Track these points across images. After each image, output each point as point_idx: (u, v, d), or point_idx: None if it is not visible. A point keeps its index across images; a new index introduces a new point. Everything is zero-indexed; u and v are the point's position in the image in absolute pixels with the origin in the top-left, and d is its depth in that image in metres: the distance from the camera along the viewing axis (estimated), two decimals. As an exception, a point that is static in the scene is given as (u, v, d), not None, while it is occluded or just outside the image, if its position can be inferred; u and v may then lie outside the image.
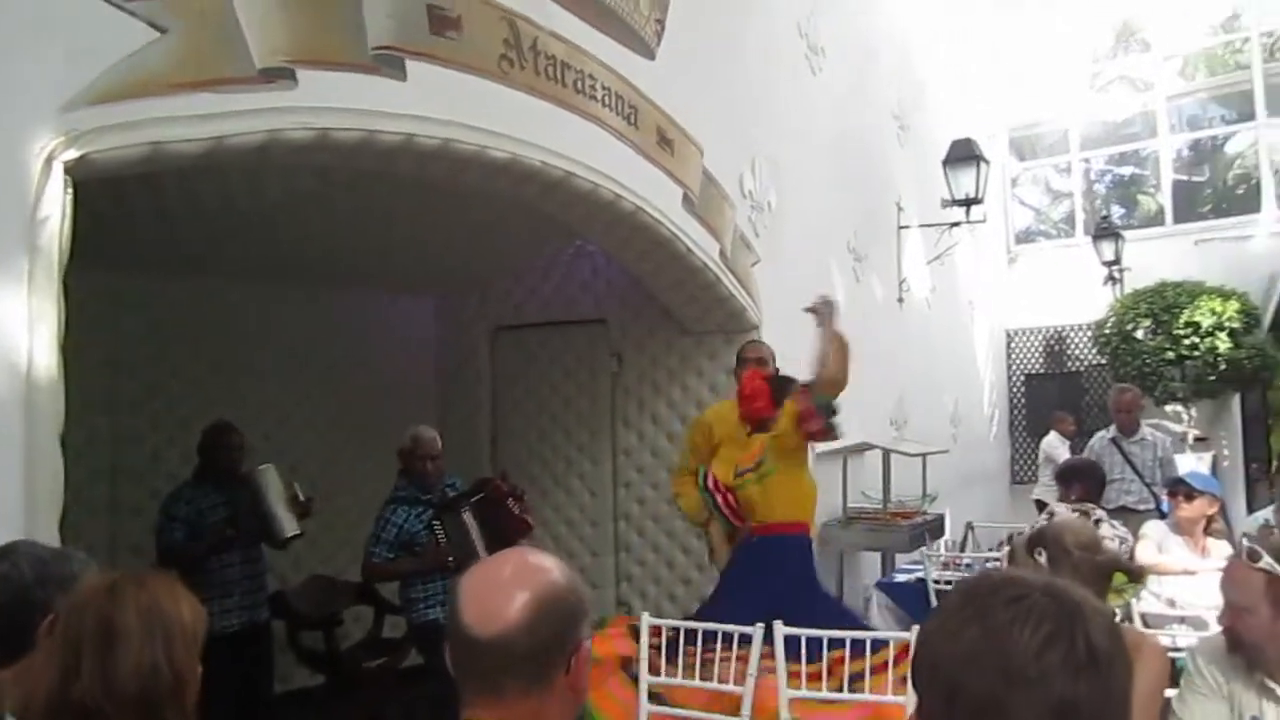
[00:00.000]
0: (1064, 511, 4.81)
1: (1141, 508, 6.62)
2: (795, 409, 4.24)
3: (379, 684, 5.59)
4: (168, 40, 2.71)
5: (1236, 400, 11.69)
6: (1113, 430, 7.01)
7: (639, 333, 6.44)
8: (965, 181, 8.31)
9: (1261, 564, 2.20)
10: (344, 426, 6.59)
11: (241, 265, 5.90)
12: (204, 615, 1.86)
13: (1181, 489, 4.79)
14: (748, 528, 4.41)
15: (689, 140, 5.34)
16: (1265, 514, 5.65)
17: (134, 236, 4.80)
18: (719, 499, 4.54)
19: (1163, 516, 7.26)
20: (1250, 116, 12.89)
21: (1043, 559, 2.37)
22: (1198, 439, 11.21)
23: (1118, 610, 2.49)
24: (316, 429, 6.52)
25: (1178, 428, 11.07)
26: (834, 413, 4.26)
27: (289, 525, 4.74)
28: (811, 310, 4.39)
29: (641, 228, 5.00)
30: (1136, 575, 2.43)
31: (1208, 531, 4.78)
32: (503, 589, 1.41)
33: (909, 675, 1.25)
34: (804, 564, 4.37)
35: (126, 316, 5.68)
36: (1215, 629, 3.72)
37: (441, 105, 3.64)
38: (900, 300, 8.74)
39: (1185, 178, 15.62)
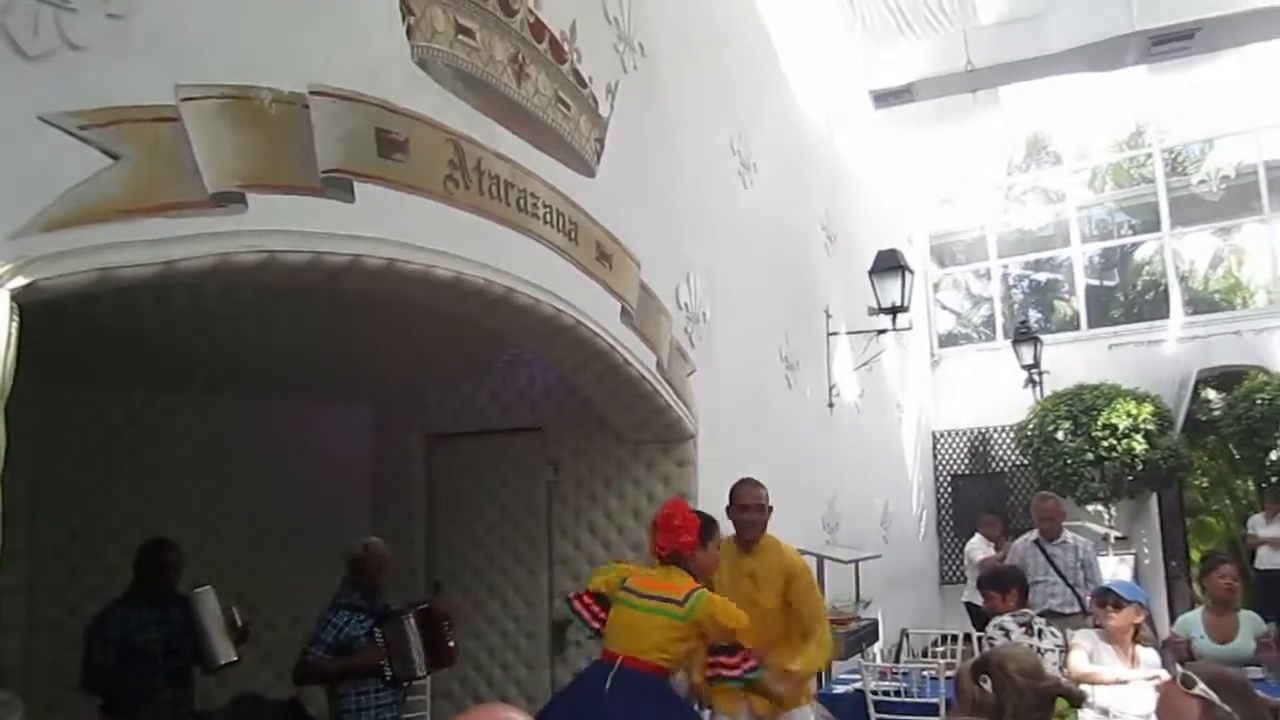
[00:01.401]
0: (1011, 623, 4.92)
1: (1066, 610, 6.76)
2: (722, 630, 4.16)
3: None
4: (120, 167, 2.72)
5: (1154, 500, 12.04)
6: (1035, 533, 7.19)
7: (576, 441, 6.45)
8: (891, 290, 8.57)
9: (1196, 690, 2.28)
10: (274, 537, 6.46)
11: (173, 375, 5.82)
12: None
13: (1110, 598, 4.90)
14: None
15: (627, 254, 5.45)
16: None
17: (62, 344, 4.73)
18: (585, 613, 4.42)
19: (1086, 617, 7.44)
20: (1156, 226, 13.52)
21: (987, 685, 2.41)
22: (1119, 539, 11.48)
23: (1060, 732, 2.54)
24: (246, 540, 6.37)
25: (1099, 528, 11.33)
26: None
27: (225, 651, 4.63)
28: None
29: (580, 341, 5.06)
30: (1078, 700, 2.48)
31: (1135, 639, 4.89)
32: None
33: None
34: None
35: (50, 425, 5.54)
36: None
37: (388, 225, 3.68)
38: (831, 405, 8.90)
39: (1098, 282, 16.27)
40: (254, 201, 3.11)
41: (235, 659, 4.69)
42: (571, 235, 4.91)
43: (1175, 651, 5.93)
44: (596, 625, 4.35)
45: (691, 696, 4.79)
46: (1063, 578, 6.90)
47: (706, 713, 4.88)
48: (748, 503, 4.88)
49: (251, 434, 6.50)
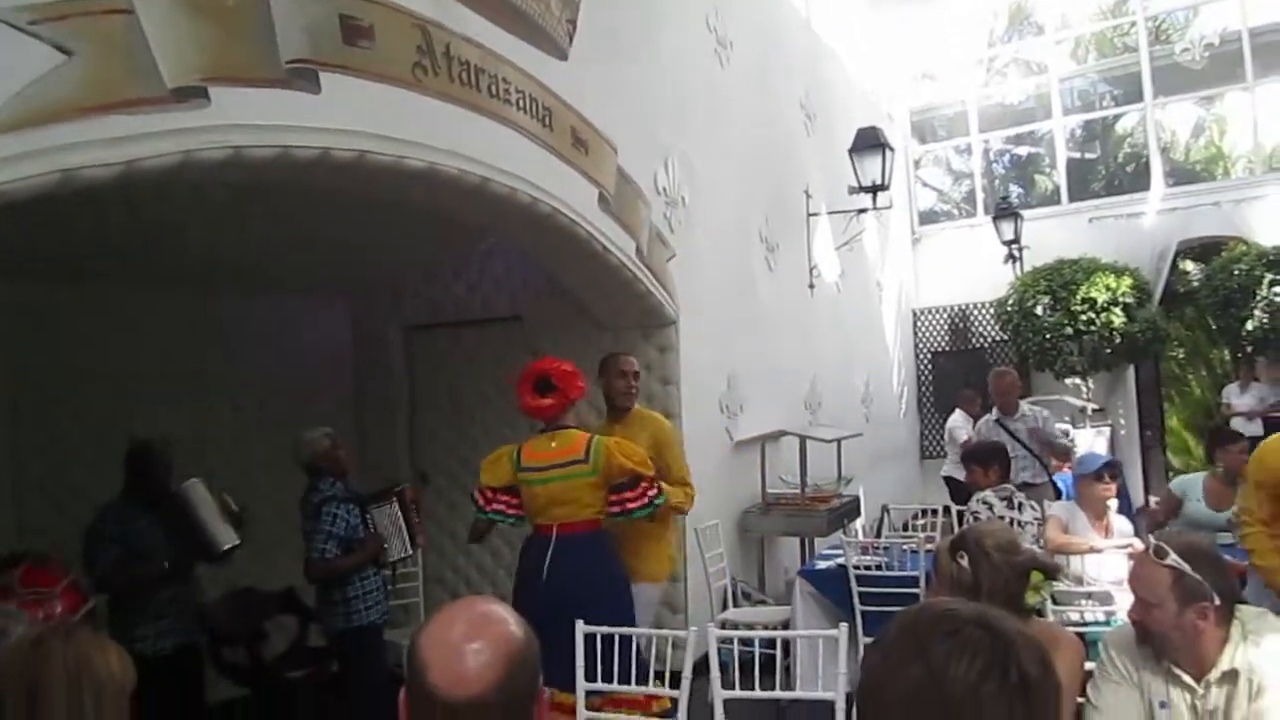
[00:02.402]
0: (992, 497, 5.01)
1: (1038, 481, 6.97)
2: (636, 460, 4.29)
3: (305, 694, 5.53)
4: (74, 63, 2.64)
5: (1131, 372, 12.18)
6: (995, 413, 7.31)
7: (555, 329, 6.44)
8: (871, 169, 8.47)
9: (1168, 561, 2.33)
10: (259, 431, 6.47)
11: (147, 272, 5.75)
12: (132, 664, 1.85)
13: (1107, 470, 5.00)
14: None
15: (603, 140, 5.36)
16: None
17: (35, 245, 4.65)
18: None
19: (1056, 488, 7.61)
20: (1138, 97, 13.35)
21: (965, 562, 2.47)
22: (1096, 411, 11.65)
23: (1036, 605, 2.61)
24: (229, 436, 6.39)
25: (1077, 401, 11.50)
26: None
27: (226, 536, 4.64)
28: None
29: (558, 229, 5.01)
30: (1053, 573, 2.55)
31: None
32: (470, 650, 1.42)
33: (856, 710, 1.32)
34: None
35: (23, 326, 5.49)
36: (1121, 602, 3.92)
37: (356, 116, 3.60)
38: (811, 286, 8.90)
39: (1079, 155, 16.15)
40: (216, 95, 3.03)
41: (238, 542, 4.70)
42: (546, 121, 4.82)
43: (1164, 509, 6.07)
44: (512, 513, 4.42)
45: None
46: (1029, 450, 7.04)
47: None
48: (626, 369, 4.99)
49: (230, 330, 6.46)
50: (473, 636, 1.43)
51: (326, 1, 3.46)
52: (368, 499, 4.95)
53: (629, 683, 3.66)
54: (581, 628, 3.68)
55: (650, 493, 4.28)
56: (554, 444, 4.31)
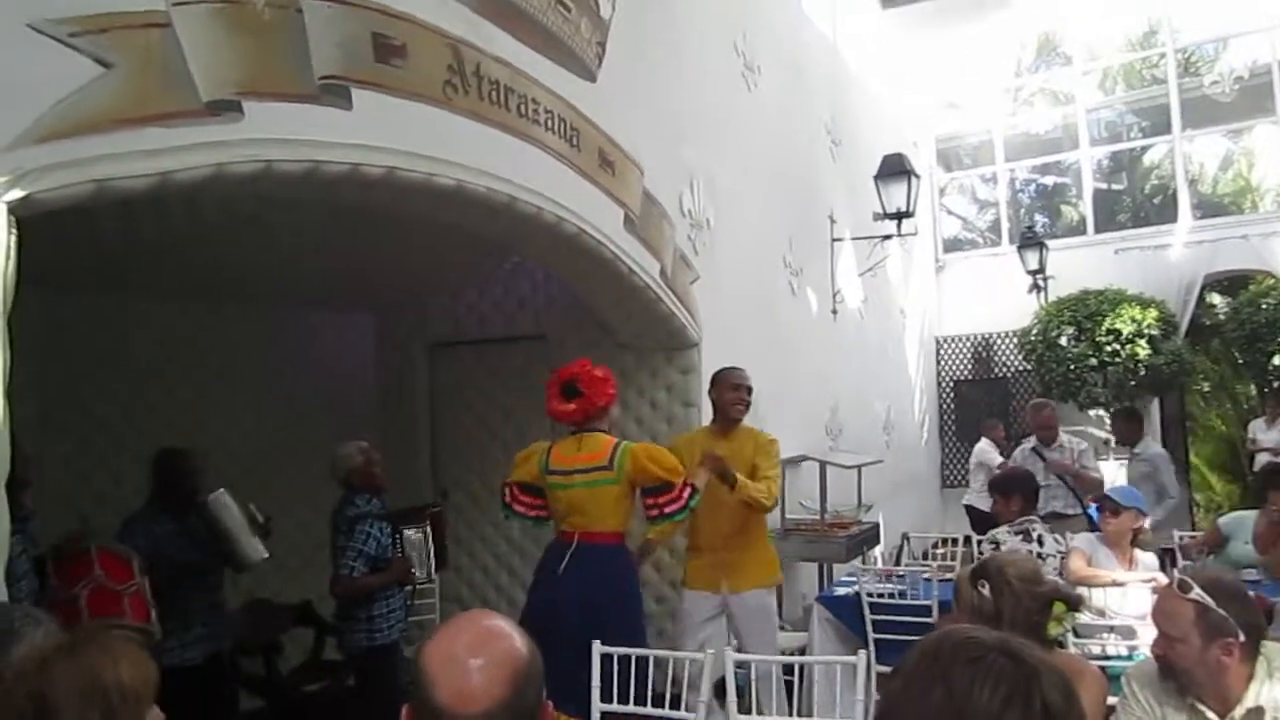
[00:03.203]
0: (1005, 535, 4.97)
1: (1070, 512, 6.88)
2: (668, 466, 4.30)
3: (320, 708, 5.54)
4: (113, 76, 2.68)
5: (1156, 405, 12.07)
6: (1033, 441, 7.25)
7: (579, 348, 6.40)
8: (896, 195, 8.47)
9: (1192, 595, 2.31)
10: (281, 445, 6.51)
11: (176, 284, 5.80)
12: (149, 668, 1.83)
13: (1109, 504, 4.95)
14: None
15: (629, 161, 5.38)
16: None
17: (65, 256, 4.69)
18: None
19: (1090, 520, 7.53)
20: (1166, 129, 13.31)
21: (986, 591, 2.45)
22: (1119, 444, 11.54)
23: (1058, 636, 2.58)
24: (253, 448, 6.42)
25: (1100, 433, 11.40)
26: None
27: (255, 549, 4.65)
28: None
29: (583, 249, 5.03)
30: (1075, 604, 2.53)
31: (1134, 543, 4.95)
32: (475, 665, 1.41)
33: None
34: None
35: (54, 337, 5.55)
36: (1144, 637, 3.88)
37: (387, 133, 3.64)
38: (834, 312, 8.88)
39: (1105, 186, 16.08)
40: (250, 110, 3.07)
41: (266, 555, 4.71)
42: (573, 141, 4.85)
43: (1204, 542, 6.00)
44: (533, 514, 4.49)
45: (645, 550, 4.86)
46: (1063, 481, 6.98)
47: (680, 594, 5.01)
48: (739, 382, 4.92)
49: (255, 343, 6.51)
50: (477, 652, 1.43)
51: (360, 19, 3.50)
52: (401, 518, 4.93)
53: (644, 704, 3.65)
54: (598, 648, 3.67)
55: (685, 494, 4.28)
56: (580, 449, 4.31)
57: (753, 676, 4.36)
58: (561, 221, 4.72)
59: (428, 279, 6.74)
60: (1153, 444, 7.75)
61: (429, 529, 4.97)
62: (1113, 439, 11.20)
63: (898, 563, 6.98)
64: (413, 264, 6.29)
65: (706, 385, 6.12)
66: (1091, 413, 11.59)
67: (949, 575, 5.13)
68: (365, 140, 3.53)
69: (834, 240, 8.95)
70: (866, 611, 5.27)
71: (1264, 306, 11.11)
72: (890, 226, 8.63)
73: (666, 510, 4.28)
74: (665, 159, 5.86)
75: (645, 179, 5.55)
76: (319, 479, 5.63)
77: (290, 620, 5.89)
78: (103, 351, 5.79)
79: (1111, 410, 7.69)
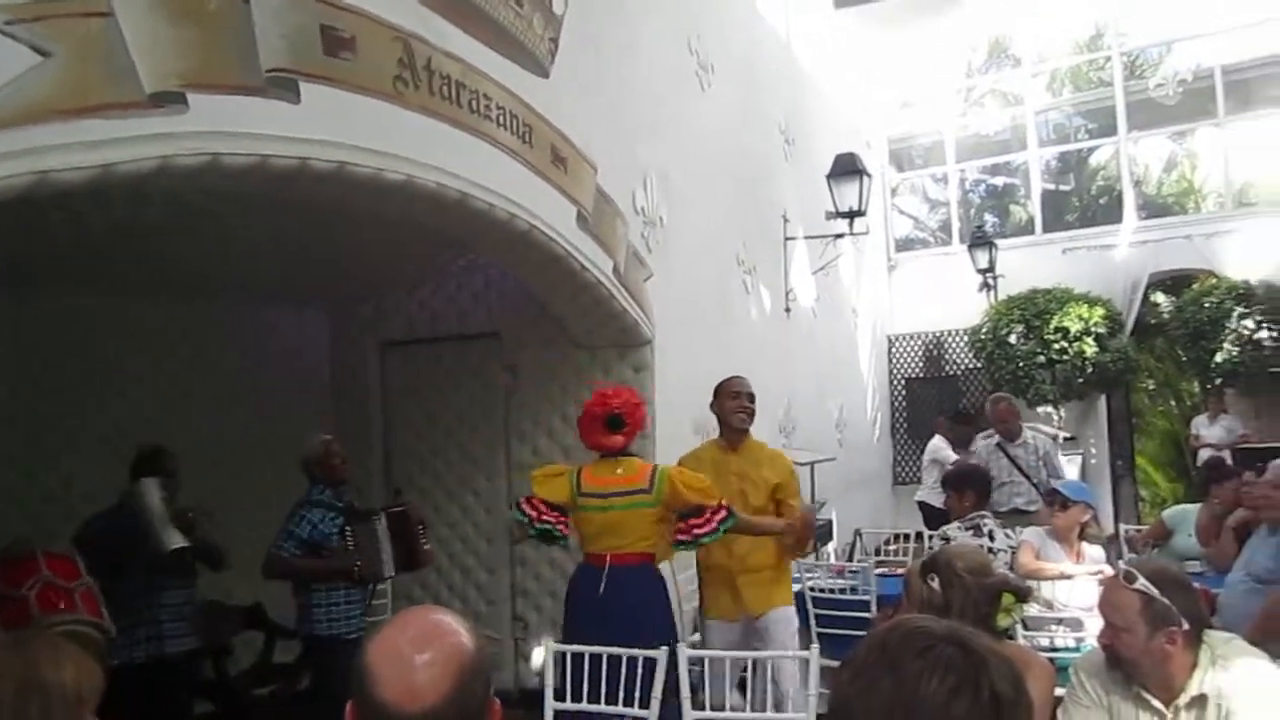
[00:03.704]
0: (957, 530, 5.03)
1: (1031, 508, 6.92)
2: (702, 489, 4.25)
3: (270, 711, 5.47)
4: (51, 65, 2.61)
5: (1103, 401, 12.28)
6: (996, 436, 7.31)
7: (533, 346, 6.43)
8: (849, 194, 8.54)
9: (1137, 585, 2.34)
10: (232, 443, 6.40)
11: (126, 280, 5.70)
12: (96, 674, 1.81)
13: (1057, 499, 5.02)
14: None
15: (582, 158, 5.37)
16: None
17: (10, 251, 4.60)
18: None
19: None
20: (1112, 131, 13.53)
21: (935, 583, 2.47)
22: (1068, 439, 11.72)
23: (1007, 627, 2.61)
24: (204, 446, 6.28)
25: (1049, 429, 11.55)
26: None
27: (168, 539, 4.56)
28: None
29: (536, 246, 5.01)
30: (1023, 595, 2.55)
31: (1082, 536, 5.03)
32: (421, 661, 1.38)
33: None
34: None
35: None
36: (1091, 628, 3.93)
37: (336, 127, 3.59)
38: (788, 310, 8.93)
39: (1053, 187, 16.32)
40: (195, 102, 3.01)
41: (185, 545, 4.61)
42: (525, 138, 4.82)
43: (1150, 536, 6.11)
44: (565, 532, 4.38)
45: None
46: (1026, 477, 7.04)
47: (697, 622, 4.90)
48: (738, 390, 4.77)
49: (207, 341, 6.42)
50: (423, 647, 1.40)
51: (308, 11, 3.45)
52: (356, 513, 4.91)
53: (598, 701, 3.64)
54: (684, 650, 3.63)
55: (718, 517, 4.23)
56: (619, 471, 4.30)
57: (706, 675, 4.36)
58: (513, 218, 4.70)
59: (381, 275, 6.68)
60: (947, 451, 7.83)
61: (383, 524, 4.92)
62: (1062, 434, 11.44)
63: (851, 559, 7.03)
64: (365, 260, 6.23)
65: (660, 382, 6.16)
66: (1040, 409, 11.76)
67: (900, 571, 5.18)
68: (314, 134, 3.48)
69: (787, 239, 8.99)
70: (810, 607, 5.32)
71: (1206, 305, 11.34)
72: (843, 225, 8.70)
73: (697, 534, 4.23)
74: (618, 156, 5.85)
75: (598, 176, 5.54)
76: (271, 478, 5.57)
77: (241, 622, 5.81)
78: (51, 349, 5.67)
79: (945, 415, 7.71)
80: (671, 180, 6.57)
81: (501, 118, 4.62)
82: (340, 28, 3.60)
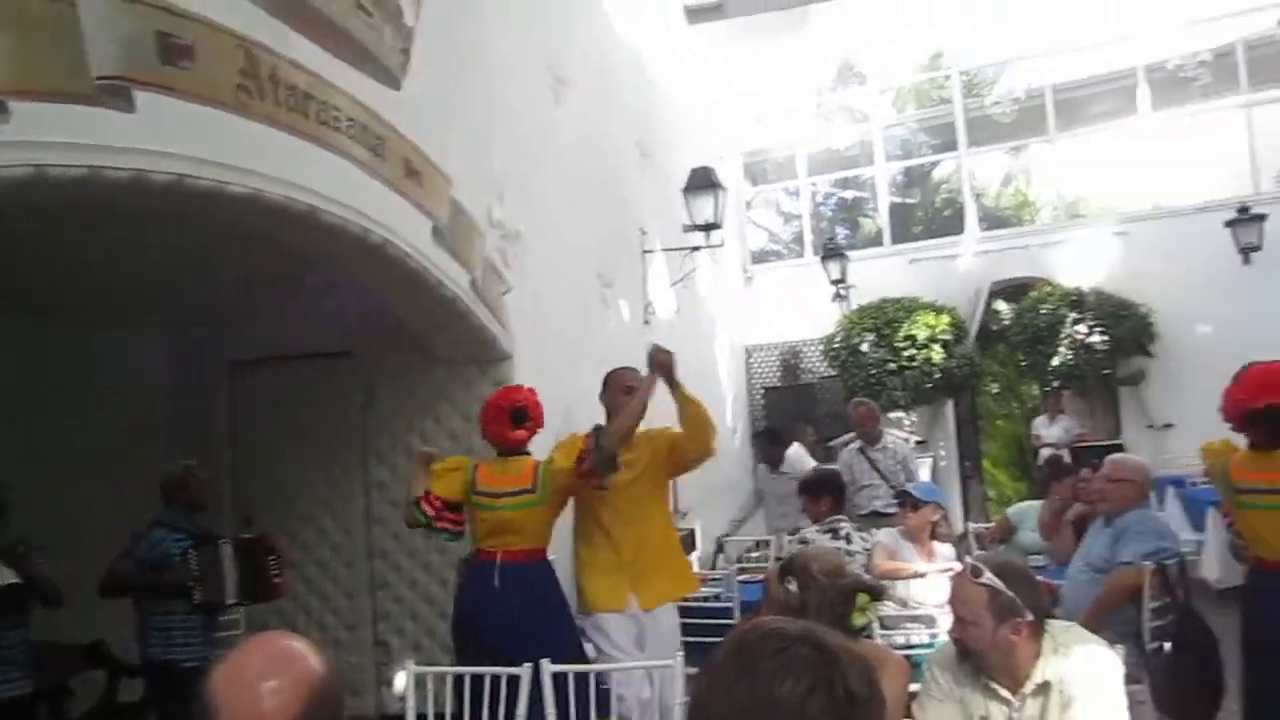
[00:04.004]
0: (814, 534, 5.13)
1: (890, 510, 7.08)
2: (577, 446, 4.38)
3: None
4: None
5: (950, 406, 12.75)
6: (858, 441, 7.51)
7: (389, 363, 6.30)
8: (704, 208, 8.66)
9: (983, 580, 2.43)
10: (67, 473, 6.05)
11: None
12: None
13: (908, 500, 5.18)
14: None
15: (437, 171, 5.29)
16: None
17: None
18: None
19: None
20: (953, 146, 14.12)
21: (793, 586, 2.51)
22: (918, 443, 12.13)
23: (863, 626, 2.67)
24: (41, 475, 5.94)
25: (900, 433, 11.94)
26: (612, 463, 4.35)
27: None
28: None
29: (391, 260, 4.91)
30: (878, 594, 2.62)
31: (933, 536, 5.21)
32: (267, 689, 1.33)
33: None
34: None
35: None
36: (944, 625, 4.07)
37: (174, 138, 3.45)
38: (647, 322, 8.98)
39: (900, 200, 16.94)
40: (18, 110, 2.85)
41: (16, 580, 4.39)
42: (377, 150, 4.73)
43: (996, 533, 6.36)
44: (457, 530, 4.53)
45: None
46: (885, 480, 7.23)
47: (582, 619, 4.80)
48: (631, 384, 4.75)
49: (38, 365, 6.05)
50: (269, 674, 1.35)
51: (143, 16, 3.31)
52: (203, 537, 4.80)
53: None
54: (548, 666, 3.56)
55: (591, 452, 4.32)
56: (508, 470, 4.45)
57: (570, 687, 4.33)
58: (367, 232, 4.60)
59: (228, 292, 6.43)
60: (807, 459, 8.08)
61: (229, 549, 4.78)
62: (913, 438, 11.82)
63: (713, 567, 7.10)
64: (211, 276, 5.99)
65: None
66: (892, 414, 12.13)
67: (762, 577, 5.25)
68: (150, 145, 3.34)
69: (645, 251, 9.06)
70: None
71: (1043, 311, 11.92)
72: (699, 238, 8.81)
73: (587, 473, 4.34)
74: (474, 169, 5.79)
75: (454, 189, 5.47)
76: (112, 507, 5.30)
77: (80, 662, 5.49)
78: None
79: (757, 432, 7.93)
80: (529, 193, 6.54)
81: (352, 129, 4.52)
82: (178, 34, 3.46)
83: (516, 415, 4.48)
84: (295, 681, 1.35)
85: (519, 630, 4.02)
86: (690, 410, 4.61)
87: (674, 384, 4.56)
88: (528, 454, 4.56)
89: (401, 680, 3.86)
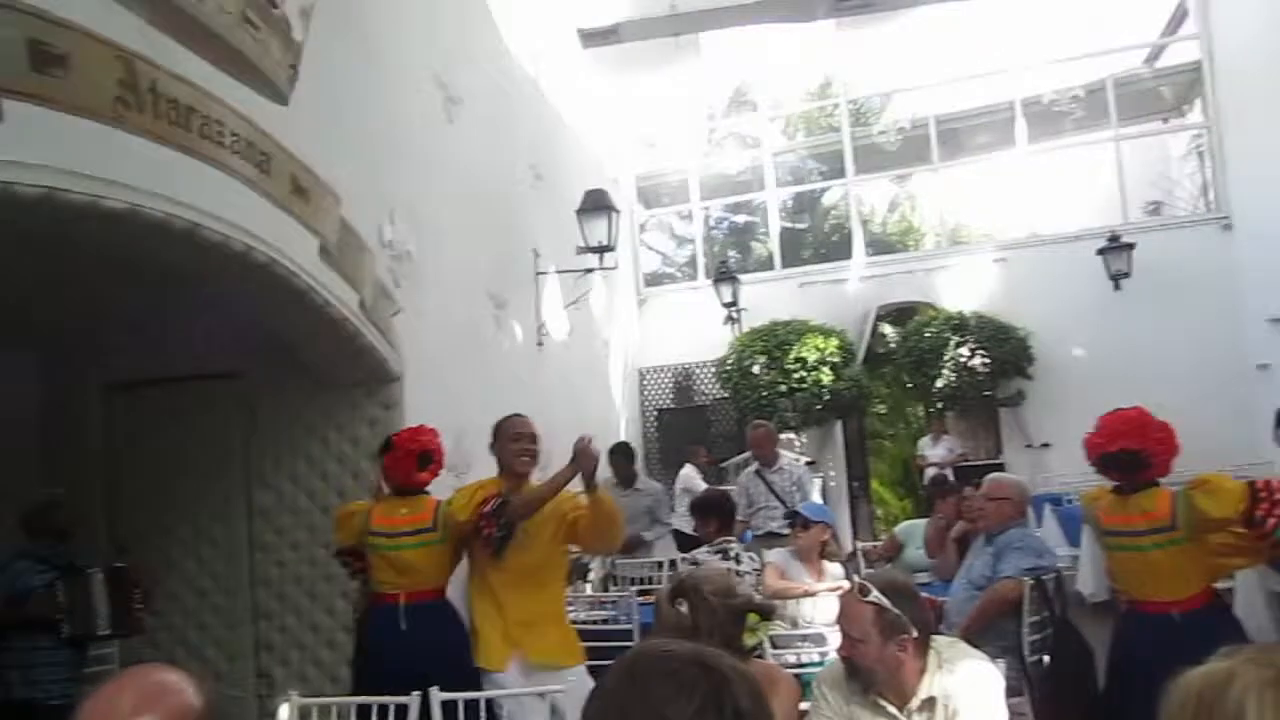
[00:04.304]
0: (705, 555, 5.16)
1: (785, 532, 7.18)
2: (475, 500, 4.27)
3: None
4: None
5: (839, 427, 13.00)
6: (755, 463, 7.60)
7: (274, 385, 6.13)
8: (598, 230, 8.71)
9: (871, 598, 2.47)
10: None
11: None
12: None
13: (798, 520, 5.25)
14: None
15: (325, 189, 5.19)
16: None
17: None
18: None
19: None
20: (841, 173, 14.45)
21: (684, 608, 2.52)
22: (809, 463, 12.32)
23: (754, 645, 2.69)
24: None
25: (792, 454, 12.12)
26: (509, 534, 4.24)
27: None
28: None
29: (276, 280, 4.78)
30: (768, 613, 2.64)
31: (823, 555, 5.29)
32: None
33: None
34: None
35: None
36: (834, 643, 4.12)
37: (46, 150, 3.31)
38: (540, 344, 8.95)
39: (790, 225, 17.27)
40: (-128, 117, 2.70)
41: None
42: (263, 167, 4.62)
43: (884, 550, 6.48)
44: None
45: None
46: (781, 501, 7.31)
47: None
48: (520, 431, 4.50)
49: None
50: (142, 709, 1.29)
51: (12, 23, 3.17)
52: (71, 567, 4.65)
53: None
54: (438, 695, 3.51)
55: (496, 516, 4.17)
56: (405, 510, 4.34)
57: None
58: (251, 250, 4.47)
59: (103, 312, 6.18)
60: (649, 480, 8.19)
61: (100, 579, 4.64)
62: (803, 459, 12.00)
63: (607, 590, 7.08)
64: (85, 296, 5.74)
65: (411, 420, 6.01)
66: (784, 435, 12.30)
67: (647, 600, 5.27)
68: (19, 156, 3.19)
69: (538, 273, 9.04)
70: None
71: (927, 335, 12.26)
72: (593, 260, 8.84)
73: (487, 533, 4.18)
74: (364, 188, 5.70)
75: (343, 208, 5.37)
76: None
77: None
78: None
79: (611, 449, 7.85)
80: (420, 213, 6.46)
81: (237, 144, 4.40)
82: (52, 43, 3.33)
83: (423, 459, 4.44)
84: (170, 716, 1.29)
85: (428, 674, 3.85)
86: (601, 509, 4.32)
87: (590, 485, 4.31)
88: (427, 493, 4.50)
89: (285, 713, 3.74)
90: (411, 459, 4.41)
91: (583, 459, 4.23)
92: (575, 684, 4.21)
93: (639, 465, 12.59)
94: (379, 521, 4.37)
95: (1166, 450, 3.59)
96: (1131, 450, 3.60)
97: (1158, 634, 3.51)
